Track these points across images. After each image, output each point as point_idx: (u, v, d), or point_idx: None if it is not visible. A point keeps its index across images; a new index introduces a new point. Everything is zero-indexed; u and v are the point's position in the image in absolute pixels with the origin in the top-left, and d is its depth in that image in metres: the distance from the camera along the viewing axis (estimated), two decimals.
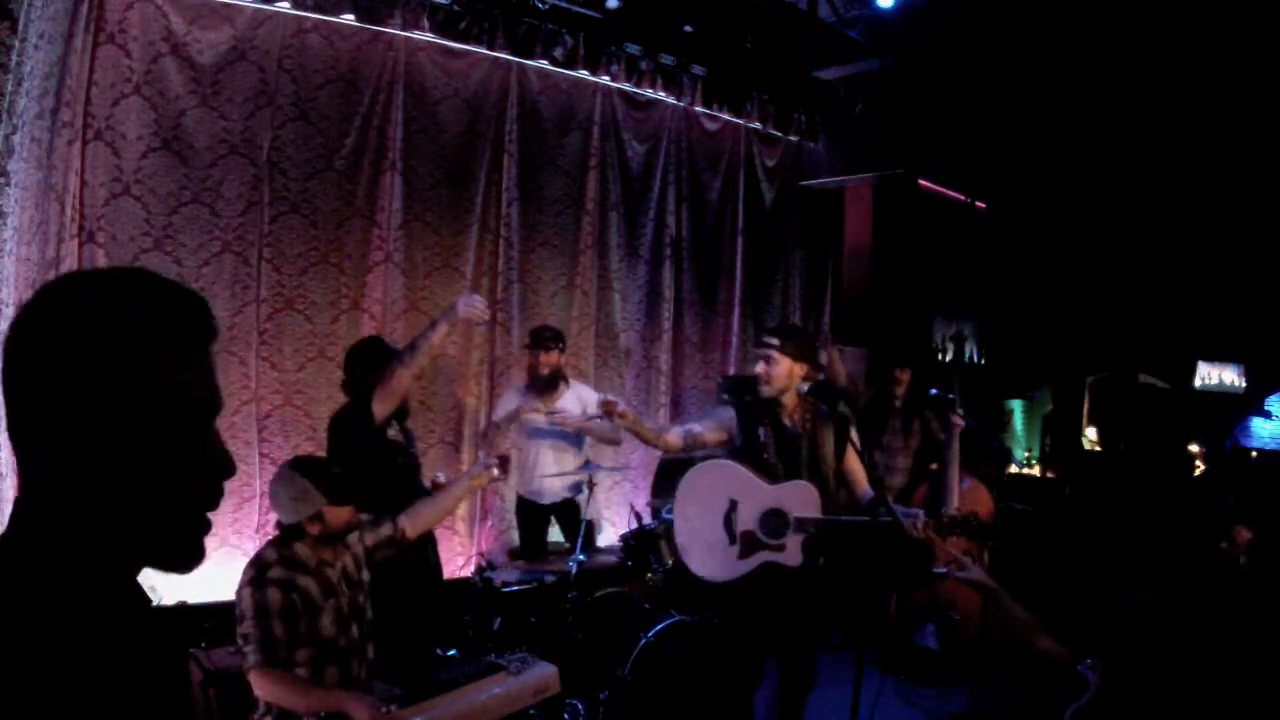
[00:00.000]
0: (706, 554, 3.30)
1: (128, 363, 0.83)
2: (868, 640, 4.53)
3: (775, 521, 3.28)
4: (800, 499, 3.28)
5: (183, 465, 0.86)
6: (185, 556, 0.89)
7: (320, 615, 2.60)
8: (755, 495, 3.30)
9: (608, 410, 3.33)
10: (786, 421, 3.43)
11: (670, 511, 3.51)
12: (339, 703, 2.45)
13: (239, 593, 2.58)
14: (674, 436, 3.47)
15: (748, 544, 3.27)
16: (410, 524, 2.97)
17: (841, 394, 3.51)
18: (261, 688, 2.50)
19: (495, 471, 3.10)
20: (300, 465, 2.68)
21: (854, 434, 3.53)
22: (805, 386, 3.47)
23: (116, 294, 0.85)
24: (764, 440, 3.39)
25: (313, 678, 2.57)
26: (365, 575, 2.82)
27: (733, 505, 3.29)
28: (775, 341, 3.43)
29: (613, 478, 6.02)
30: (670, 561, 4.10)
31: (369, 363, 3.63)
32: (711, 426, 3.50)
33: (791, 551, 3.26)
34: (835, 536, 3.33)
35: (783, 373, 3.39)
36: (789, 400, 3.44)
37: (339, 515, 2.65)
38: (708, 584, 3.32)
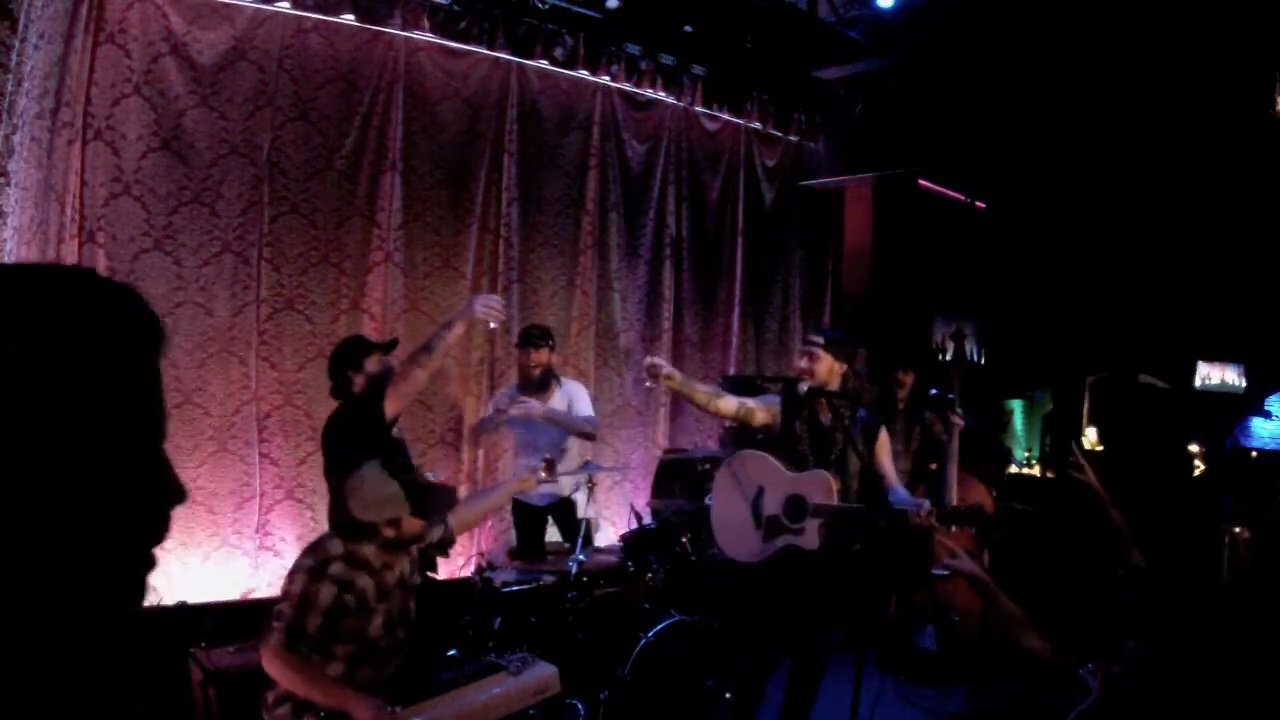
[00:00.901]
0: (737, 536, 3.57)
1: (73, 353, 0.74)
2: (868, 640, 4.53)
3: (795, 506, 3.45)
4: (817, 486, 3.43)
5: (126, 483, 0.75)
6: (125, 595, 0.77)
7: (372, 617, 2.61)
8: (780, 482, 3.51)
9: (653, 374, 3.44)
10: (823, 418, 3.59)
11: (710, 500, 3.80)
12: (344, 701, 2.45)
13: (293, 573, 2.59)
14: (727, 404, 3.62)
15: (772, 527, 3.48)
16: (457, 525, 3.01)
17: (849, 394, 3.56)
18: (272, 667, 2.50)
19: (542, 475, 3.12)
20: (392, 468, 2.66)
21: (884, 437, 3.69)
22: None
23: (59, 285, 0.77)
24: (799, 432, 3.57)
25: (345, 675, 2.57)
26: (417, 579, 2.84)
27: (760, 491, 3.53)
28: (820, 340, 3.64)
29: (612, 478, 6.02)
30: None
31: (349, 362, 3.64)
32: (763, 407, 3.66)
33: (810, 535, 3.40)
34: (851, 527, 3.43)
35: (823, 370, 3.55)
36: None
37: (413, 525, 2.67)
38: (736, 564, 3.58)
